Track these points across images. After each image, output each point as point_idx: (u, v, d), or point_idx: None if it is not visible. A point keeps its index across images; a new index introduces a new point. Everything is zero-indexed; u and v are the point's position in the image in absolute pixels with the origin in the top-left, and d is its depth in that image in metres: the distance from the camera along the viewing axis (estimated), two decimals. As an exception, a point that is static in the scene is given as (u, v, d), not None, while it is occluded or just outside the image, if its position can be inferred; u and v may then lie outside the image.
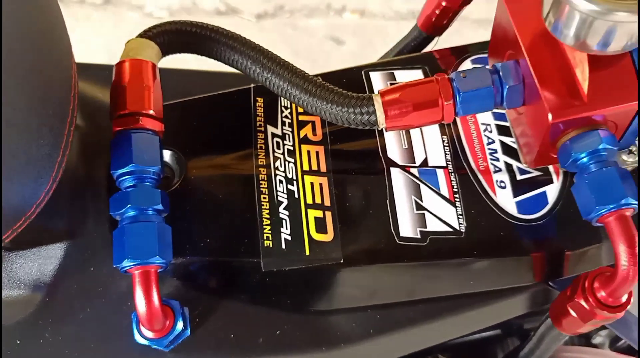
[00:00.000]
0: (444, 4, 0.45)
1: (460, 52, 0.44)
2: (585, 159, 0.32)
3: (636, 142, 0.36)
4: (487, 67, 0.34)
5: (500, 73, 0.33)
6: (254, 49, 0.37)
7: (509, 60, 0.34)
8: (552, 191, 0.38)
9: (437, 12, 0.45)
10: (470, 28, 1.22)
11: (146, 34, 0.36)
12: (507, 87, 0.33)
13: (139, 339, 0.33)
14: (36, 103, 0.27)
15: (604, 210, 0.31)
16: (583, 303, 0.34)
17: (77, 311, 0.35)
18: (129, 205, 0.31)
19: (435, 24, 0.46)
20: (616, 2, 0.27)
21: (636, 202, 0.31)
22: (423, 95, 0.34)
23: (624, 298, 0.33)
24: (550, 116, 0.31)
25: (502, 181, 0.38)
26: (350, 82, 0.42)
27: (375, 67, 0.43)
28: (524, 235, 0.37)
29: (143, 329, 0.33)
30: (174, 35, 0.36)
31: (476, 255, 0.37)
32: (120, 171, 0.32)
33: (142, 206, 0.31)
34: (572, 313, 0.35)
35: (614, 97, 0.31)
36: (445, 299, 0.39)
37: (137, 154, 0.32)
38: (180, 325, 0.33)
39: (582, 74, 0.31)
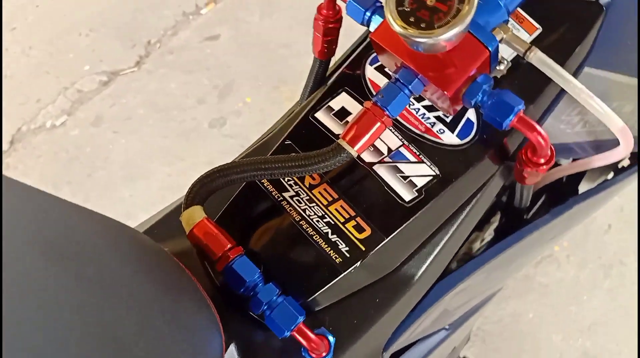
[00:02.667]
0: (327, 40, 0.60)
1: (358, 61, 0.59)
2: (480, 98, 0.49)
3: (503, 60, 0.52)
4: (392, 80, 0.50)
5: (401, 80, 0.50)
6: (251, 165, 0.52)
7: (401, 68, 0.50)
8: (471, 114, 0.55)
9: (325, 45, 0.61)
10: None
11: (187, 204, 0.51)
12: (409, 86, 0.50)
13: None
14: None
15: (508, 120, 0.48)
16: (529, 168, 0.52)
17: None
18: (265, 303, 0.48)
19: (327, 52, 0.62)
20: (437, 30, 0.43)
21: (521, 104, 0.48)
22: (367, 123, 0.50)
23: (543, 160, 0.52)
24: (446, 92, 0.48)
25: (440, 129, 0.55)
26: (309, 131, 0.57)
27: (314, 108, 0.58)
28: (472, 150, 0.55)
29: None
30: (202, 192, 0.51)
31: (455, 178, 0.54)
32: (244, 287, 0.48)
33: (270, 299, 0.48)
34: (525, 174, 0.54)
35: (470, 61, 0.47)
36: (459, 206, 0.57)
37: (244, 276, 0.48)
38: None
39: (447, 59, 0.47)
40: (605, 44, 0.55)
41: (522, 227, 0.67)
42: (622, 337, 1.38)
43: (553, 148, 0.51)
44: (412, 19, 0.44)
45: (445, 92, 0.48)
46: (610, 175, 0.70)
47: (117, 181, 1.60)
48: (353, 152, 0.51)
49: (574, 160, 0.63)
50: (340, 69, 0.60)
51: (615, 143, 0.57)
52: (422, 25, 0.43)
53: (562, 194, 0.67)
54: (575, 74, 0.55)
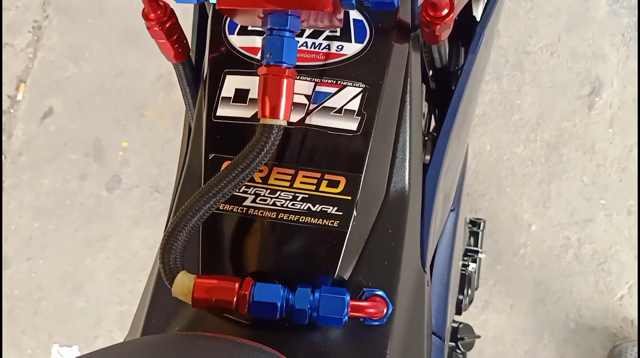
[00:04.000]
0: (174, 40, 0.53)
1: (217, 38, 0.53)
2: (357, -8, 0.45)
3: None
4: (267, 34, 0.45)
5: (276, 27, 0.45)
6: (200, 199, 0.46)
7: (267, 16, 0.45)
8: (355, 14, 0.51)
9: (176, 45, 0.54)
10: None
11: (170, 278, 0.45)
12: (287, 27, 0.45)
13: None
14: None
15: (396, -7, 0.45)
16: (438, 25, 0.50)
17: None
18: (307, 309, 0.45)
19: (182, 50, 0.55)
20: None
21: None
22: (274, 87, 0.45)
23: (445, 11, 0.49)
24: (327, 9, 0.43)
25: (338, 46, 0.51)
26: (223, 132, 0.52)
27: (210, 108, 0.52)
28: (377, 44, 0.51)
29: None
30: (175, 257, 0.46)
31: (381, 79, 0.51)
32: (279, 309, 0.44)
33: (309, 302, 0.45)
34: (438, 32, 0.51)
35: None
36: (400, 101, 0.53)
37: (272, 299, 0.44)
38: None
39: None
40: None
41: (454, 81, 0.65)
42: (568, 111, 1.44)
43: (449, -6, 0.48)
44: (251, -38, 0.39)
45: (325, 9, 0.43)
46: (490, -16, 0.69)
47: (65, 299, 1.48)
48: (282, 122, 0.46)
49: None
50: (206, 57, 0.54)
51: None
52: (264, -40, 0.38)
53: (467, 31, 0.65)
54: None
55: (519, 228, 1.37)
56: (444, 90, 0.69)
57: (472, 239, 0.93)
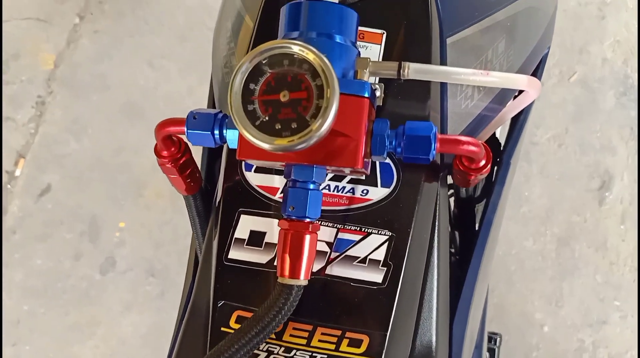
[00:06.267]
0: (187, 174, 0.50)
1: (232, 172, 0.50)
2: (388, 146, 0.42)
3: (375, 86, 0.45)
4: (290, 185, 0.42)
5: (300, 179, 0.41)
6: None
7: (291, 166, 0.42)
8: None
9: (189, 179, 0.51)
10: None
11: None
12: (312, 180, 0.41)
13: None
14: None
15: (432, 151, 0.41)
16: (473, 176, 0.46)
17: None
18: None
19: (194, 183, 0.52)
20: (314, 122, 0.35)
21: (432, 127, 0.41)
22: (296, 243, 0.42)
23: (483, 162, 0.46)
24: (358, 163, 0.40)
25: (363, 191, 0.48)
26: (234, 277, 0.47)
27: (222, 249, 0.48)
28: (405, 188, 0.48)
29: None
30: None
31: (408, 226, 0.47)
32: None
33: None
34: (472, 182, 0.47)
35: (357, 120, 0.40)
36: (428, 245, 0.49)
37: None
38: None
39: (334, 133, 0.39)
40: (448, 7, 0.50)
41: (476, 207, 0.62)
42: (578, 204, 1.40)
43: (486, 146, 0.45)
44: (278, 126, 0.35)
45: (355, 166, 0.40)
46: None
47: (50, 390, 1.40)
48: (302, 282, 0.42)
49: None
50: (220, 189, 0.50)
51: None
52: (294, 126, 0.35)
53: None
54: (442, 53, 0.49)
55: (531, 327, 1.31)
56: (465, 212, 0.65)
57: (487, 355, 0.87)
